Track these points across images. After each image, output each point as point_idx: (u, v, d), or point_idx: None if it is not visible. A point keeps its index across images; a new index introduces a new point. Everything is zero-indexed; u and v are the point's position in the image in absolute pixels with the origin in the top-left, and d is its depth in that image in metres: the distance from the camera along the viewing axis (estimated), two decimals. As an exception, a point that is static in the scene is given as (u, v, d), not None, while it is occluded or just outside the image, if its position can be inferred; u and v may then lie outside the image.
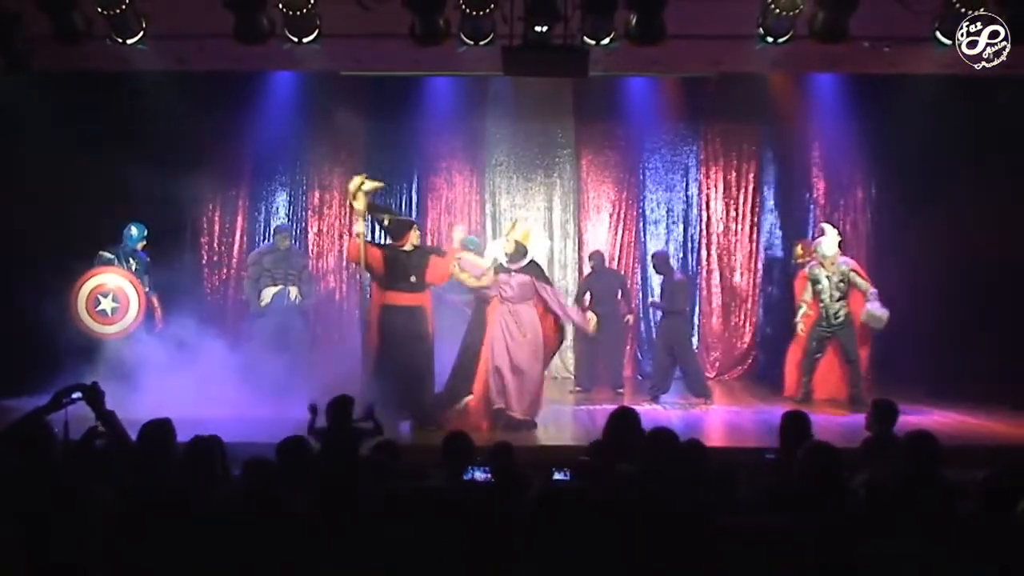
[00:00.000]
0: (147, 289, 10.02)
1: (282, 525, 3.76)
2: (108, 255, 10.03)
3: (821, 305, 9.97)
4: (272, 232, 11.57)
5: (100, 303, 9.76)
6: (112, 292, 9.80)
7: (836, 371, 10.19)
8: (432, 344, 8.75)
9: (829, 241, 10.00)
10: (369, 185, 8.69)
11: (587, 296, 11.10)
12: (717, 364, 12.32)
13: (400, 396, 8.22)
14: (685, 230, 12.55)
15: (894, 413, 5.93)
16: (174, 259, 10.66)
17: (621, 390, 11.01)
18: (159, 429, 4.66)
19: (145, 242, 10.25)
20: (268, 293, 10.57)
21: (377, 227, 10.06)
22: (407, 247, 8.74)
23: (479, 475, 4.52)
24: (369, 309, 8.85)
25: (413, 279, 8.64)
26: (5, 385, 9.29)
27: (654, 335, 11.32)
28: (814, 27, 8.56)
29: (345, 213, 12.31)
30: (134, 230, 10.19)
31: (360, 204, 8.62)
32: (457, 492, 4.25)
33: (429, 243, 11.13)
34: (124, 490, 3.95)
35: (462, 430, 5.29)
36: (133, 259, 10.14)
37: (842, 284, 9.91)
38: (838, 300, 9.93)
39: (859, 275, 10.03)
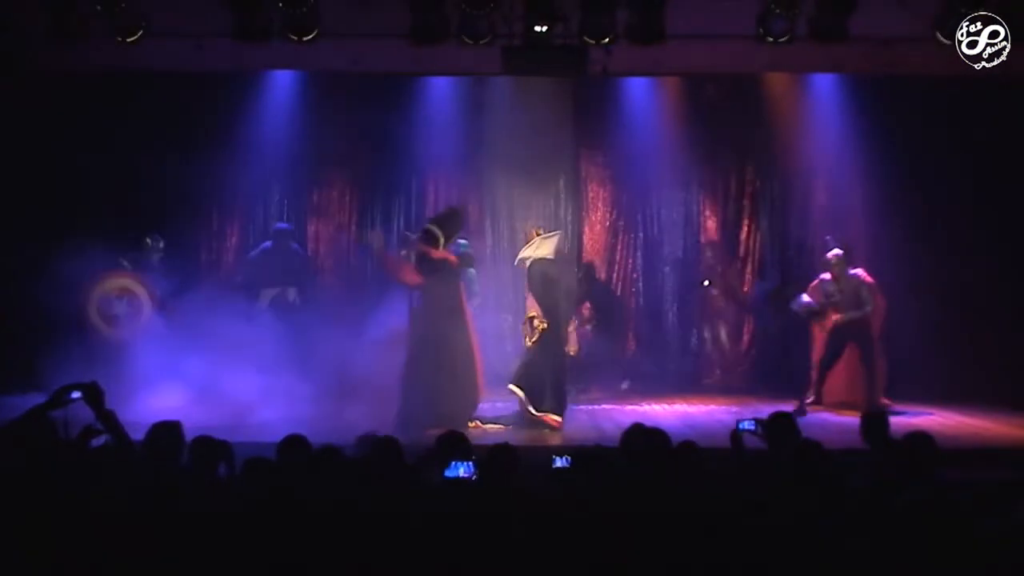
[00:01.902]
0: (159, 294, 10.02)
1: (276, 524, 3.76)
2: (126, 264, 10.05)
3: (839, 315, 9.95)
4: (271, 232, 11.55)
5: (113, 307, 9.78)
6: (127, 297, 9.83)
7: (854, 374, 10.16)
8: (418, 347, 8.77)
9: (838, 255, 9.97)
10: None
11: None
12: (716, 365, 12.29)
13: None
14: (684, 230, 12.52)
15: (884, 423, 5.91)
16: (174, 259, 10.63)
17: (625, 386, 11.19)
18: (168, 431, 4.63)
19: (161, 253, 10.32)
20: (268, 294, 10.56)
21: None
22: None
23: (463, 472, 4.48)
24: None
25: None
26: (8, 383, 9.30)
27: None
28: (814, 27, 8.57)
29: (346, 213, 12.32)
30: (149, 241, 10.25)
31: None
32: (436, 492, 4.24)
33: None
34: (123, 490, 3.95)
35: (456, 429, 5.30)
36: (149, 269, 10.17)
37: (854, 296, 9.86)
38: (854, 308, 9.85)
39: (866, 288, 9.96)
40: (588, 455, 4.51)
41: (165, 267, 10.30)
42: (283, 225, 11.63)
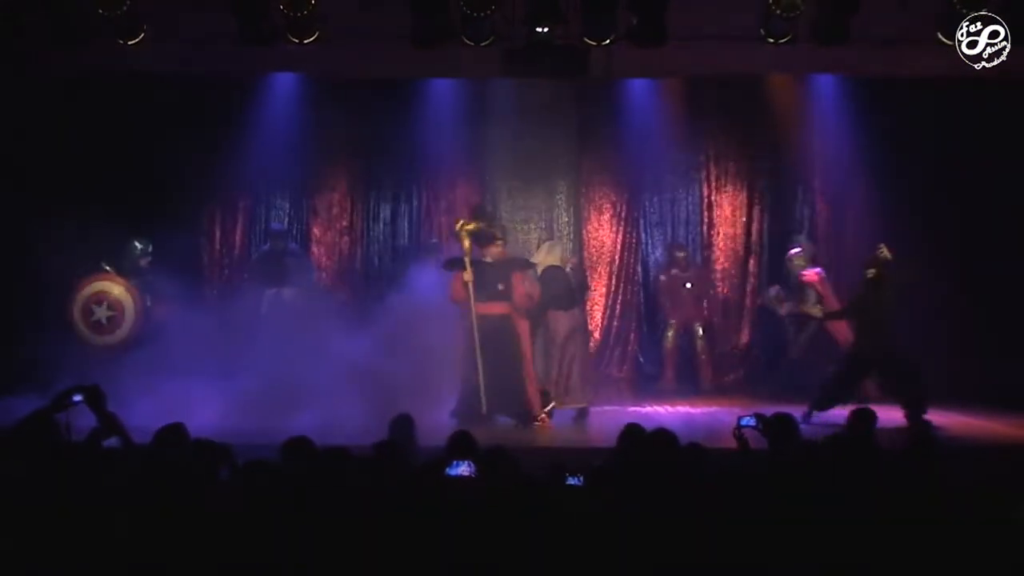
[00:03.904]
0: (149, 303, 9.94)
1: (274, 525, 3.77)
2: (109, 269, 9.95)
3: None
4: (269, 235, 11.56)
5: (94, 313, 9.67)
6: (107, 301, 9.70)
7: None
8: (522, 348, 8.99)
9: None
10: (471, 226, 9.12)
11: None
12: (716, 366, 12.26)
13: (499, 397, 8.83)
14: (687, 233, 12.51)
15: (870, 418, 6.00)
16: (176, 264, 10.59)
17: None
18: (172, 433, 4.64)
19: (150, 258, 10.18)
20: (268, 296, 10.55)
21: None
22: (488, 259, 9.07)
23: (465, 470, 4.48)
24: (467, 319, 9.07)
25: (501, 287, 8.97)
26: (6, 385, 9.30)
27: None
28: (815, 28, 8.58)
29: (347, 216, 12.32)
30: (137, 245, 10.12)
31: (466, 244, 9.02)
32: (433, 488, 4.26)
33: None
34: (130, 490, 3.96)
35: (466, 430, 5.33)
36: (136, 274, 10.06)
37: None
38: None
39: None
40: (602, 474, 4.46)
41: (154, 271, 10.17)
42: (277, 226, 11.64)
